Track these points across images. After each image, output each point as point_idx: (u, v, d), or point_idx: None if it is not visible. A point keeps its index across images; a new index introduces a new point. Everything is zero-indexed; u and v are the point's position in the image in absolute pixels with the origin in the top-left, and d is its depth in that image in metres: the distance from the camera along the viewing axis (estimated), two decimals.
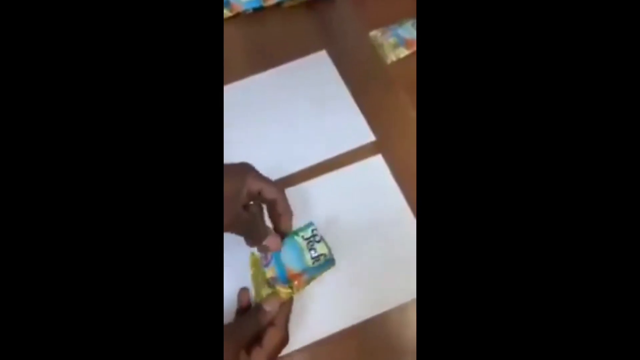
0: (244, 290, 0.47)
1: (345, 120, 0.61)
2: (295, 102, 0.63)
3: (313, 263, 0.45)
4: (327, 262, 0.45)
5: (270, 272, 0.45)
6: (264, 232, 0.45)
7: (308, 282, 0.44)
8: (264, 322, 0.42)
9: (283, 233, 0.46)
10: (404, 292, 0.49)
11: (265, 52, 0.68)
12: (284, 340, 0.43)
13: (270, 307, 0.42)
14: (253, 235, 0.45)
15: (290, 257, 0.45)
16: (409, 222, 0.53)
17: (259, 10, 0.71)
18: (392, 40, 0.66)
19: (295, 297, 0.46)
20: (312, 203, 0.55)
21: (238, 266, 0.48)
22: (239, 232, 0.44)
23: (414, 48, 0.66)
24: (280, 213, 0.45)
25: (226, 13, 0.71)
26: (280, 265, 0.45)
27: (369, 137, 0.59)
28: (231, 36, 0.68)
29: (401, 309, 0.49)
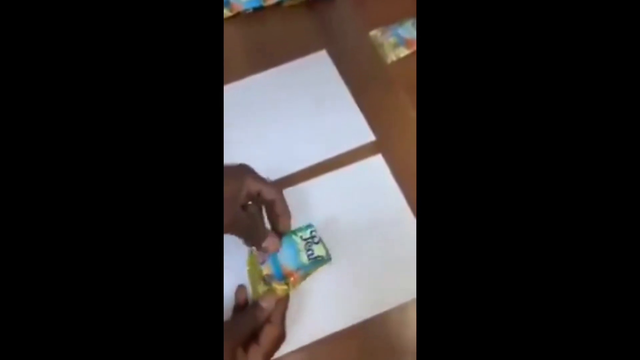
0: (241, 288, 0.47)
1: (345, 120, 0.60)
2: (295, 102, 0.62)
3: (309, 262, 0.45)
4: (322, 259, 0.45)
5: (266, 270, 0.45)
6: (263, 234, 0.45)
7: (304, 278, 0.44)
8: (260, 319, 0.42)
9: (281, 233, 0.47)
10: (404, 292, 0.49)
11: (265, 52, 0.68)
12: (281, 337, 0.43)
13: (266, 304, 0.42)
14: (252, 236, 0.45)
15: (287, 256, 0.46)
16: (409, 222, 0.53)
17: (259, 9, 0.71)
18: (392, 39, 0.66)
19: (296, 296, 0.46)
20: (312, 203, 0.55)
21: (236, 265, 0.48)
22: (238, 233, 0.44)
23: (414, 48, 0.66)
24: (279, 214, 0.45)
25: (226, 13, 0.70)
26: (276, 263, 0.46)
27: (369, 136, 0.59)
28: (231, 36, 0.68)
29: (401, 308, 0.49)
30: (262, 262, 0.46)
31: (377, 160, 0.57)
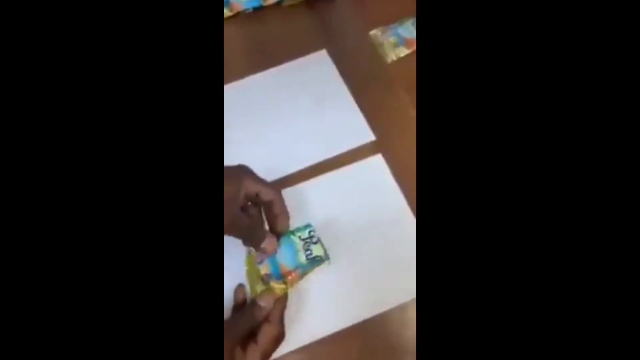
0: (240, 287, 0.47)
1: (345, 120, 0.60)
2: (295, 102, 0.62)
3: (307, 261, 0.45)
4: (321, 259, 0.45)
5: (264, 269, 0.45)
6: (262, 234, 0.45)
7: (301, 277, 0.44)
8: (259, 318, 0.42)
9: (279, 234, 0.47)
10: (404, 291, 0.49)
11: (265, 52, 0.68)
12: (280, 336, 0.43)
13: (264, 303, 0.43)
14: (251, 237, 0.45)
15: (285, 256, 0.46)
16: (409, 222, 0.53)
17: (259, 9, 0.71)
18: (392, 39, 0.66)
19: (295, 296, 0.46)
20: (311, 203, 0.55)
21: (234, 265, 0.48)
22: (237, 234, 0.44)
23: (414, 47, 0.66)
24: (277, 214, 0.45)
25: (226, 12, 0.70)
26: (274, 262, 0.46)
27: (369, 136, 0.59)
28: (231, 35, 0.68)
29: (401, 308, 0.49)
30: (260, 262, 0.46)
31: (377, 160, 0.57)
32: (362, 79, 0.64)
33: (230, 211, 0.42)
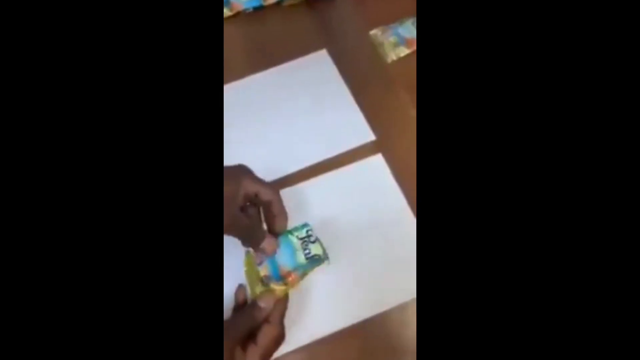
0: (240, 288, 0.47)
1: (345, 120, 0.60)
2: (295, 101, 0.62)
3: (306, 262, 0.45)
4: (320, 258, 0.45)
5: (263, 271, 0.45)
6: (262, 235, 0.45)
7: (302, 277, 0.44)
8: (259, 318, 0.42)
9: (277, 234, 0.47)
10: (404, 291, 0.49)
11: (266, 51, 0.68)
12: (280, 337, 0.43)
13: (264, 304, 0.42)
14: (251, 238, 0.45)
15: (284, 256, 0.46)
16: (409, 222, 0.53)
17: (259, 9, 0.71)
18: (392, 39, 0.66)
19: (296, 296, 0.45)
20: (311, 202, 0.55)
21: (234, 265, 0.48)
22: (236, 234, 0.44)
23: (414, 47, 0.66)
24: (275, 214, 0.45)
25: (226, 12, 0.70)
26: (273, 263, 0.46)
27: (369, 136, 0.59)
28: (231, 35, 0.68)
29: (401, 308, 0.49)
30: (260, 263, 0.46)
31: (377, 160, 0.57)
32: (362, 78, 0.64)
33: (229, 211, 0.42)
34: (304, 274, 0.44)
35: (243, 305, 0.46)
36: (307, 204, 0.54)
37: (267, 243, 0.45)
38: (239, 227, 0.43)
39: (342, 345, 0.47)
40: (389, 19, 0.68)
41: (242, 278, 0.47)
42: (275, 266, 0.45)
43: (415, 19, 0.67)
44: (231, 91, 0.63)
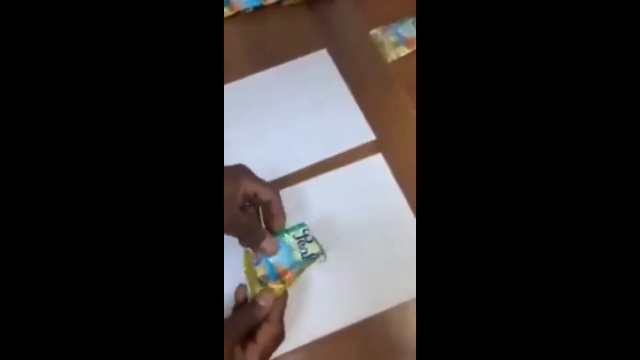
0: (241, 287, 0.47)
1: (345, 119, 0.60)
2: (296, 101, 0.62)
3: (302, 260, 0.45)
4: (316, 255, 0.45)
5: (261, 271, 0.45)
6: (261, 235, 0.45)
7: (299, 274, 0.44)
8: (258, 317, 0.42)
9: (274, 234, 0.47)
10: (404, 291, 0.49)
11: (266, 51, 0.68)
12: (279, 336, 0.43)
13: (264, 302, 0.43)
14: (250, 238, 0.45)
15: (280, 256, 0.46)
16: (409, 222, 0.53)
17: (259, 8, 0.71)
18: (392, 38, 0.66)
19: (295, 296, 0.45)
20: (311, 202, 0.55)
21: (235, 264, 0.48)
22: (235, 234, 0.44)
23: (415, 47, 0.65)
24: (274, 214, 0.45)
25: (226, 12, 0.70)
26: (269, 263, 0.46)
27: (369, 136, 0.59)
28: (231, 35, 0.68)
29: (401, 308, 0.49)
30: (257, 263, 0.46)
31: (377, 160, 0.57)
32: (362, 78, 0.64)
33: (229, 211, 0.42)
34: (300, 271, 0.44)
35: (243, 304, 0.47)
36: (307, 204, 0.54)
37: (268, 243, 0.45)
38: (239, 226, 0.44)
39: (342, 345, 0.47)
40: (389, 19, 0.68)
41: (242, 277, 0.47)
42: (271, 266, 0.45)
43: (415, 18, 0.67)
44: (231, 91, 0.63)
